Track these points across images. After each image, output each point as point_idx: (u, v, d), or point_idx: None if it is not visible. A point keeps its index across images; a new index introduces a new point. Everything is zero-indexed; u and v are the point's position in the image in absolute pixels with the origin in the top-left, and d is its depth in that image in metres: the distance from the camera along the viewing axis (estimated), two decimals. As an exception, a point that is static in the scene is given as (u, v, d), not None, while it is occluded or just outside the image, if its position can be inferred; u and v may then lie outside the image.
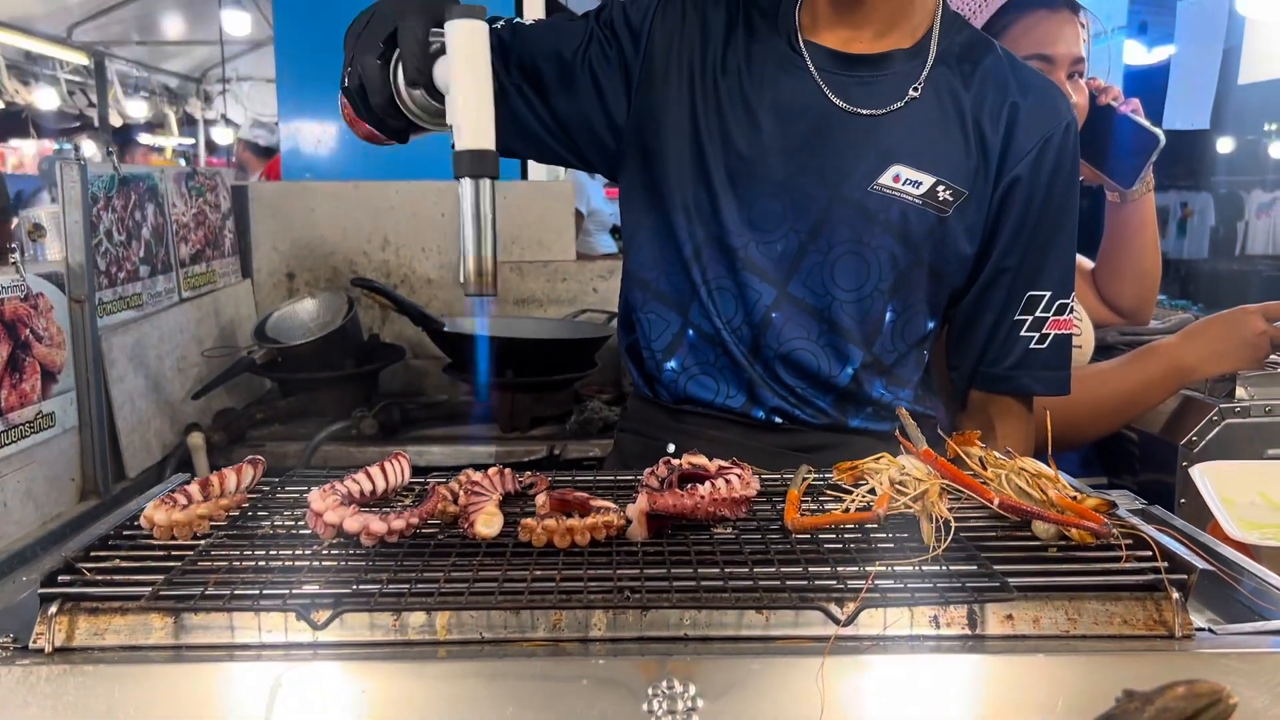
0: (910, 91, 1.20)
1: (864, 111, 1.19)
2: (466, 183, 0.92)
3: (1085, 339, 1.69)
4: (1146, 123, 1.71)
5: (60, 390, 1.85)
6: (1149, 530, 0.79)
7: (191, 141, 10.25)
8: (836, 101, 1.20)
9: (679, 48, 1.25)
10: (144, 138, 9.32)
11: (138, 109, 8.62)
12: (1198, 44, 3.32)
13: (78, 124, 8.18)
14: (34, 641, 0.70)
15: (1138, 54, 4.88)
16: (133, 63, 8.62)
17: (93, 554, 0.78)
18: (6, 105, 7.62)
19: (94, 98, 7.77)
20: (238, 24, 6.88)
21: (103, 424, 1.97)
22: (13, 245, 1.74)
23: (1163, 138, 1.70)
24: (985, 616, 0.72)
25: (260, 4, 6.89)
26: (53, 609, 0.70)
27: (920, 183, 1.18)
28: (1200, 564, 0.74)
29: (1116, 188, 1.77)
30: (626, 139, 1.28)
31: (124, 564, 0.76)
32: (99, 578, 0.73)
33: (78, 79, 7.75)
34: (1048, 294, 1.24)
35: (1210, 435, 1.50)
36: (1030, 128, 1.20)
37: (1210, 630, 0.74)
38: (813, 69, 1.21)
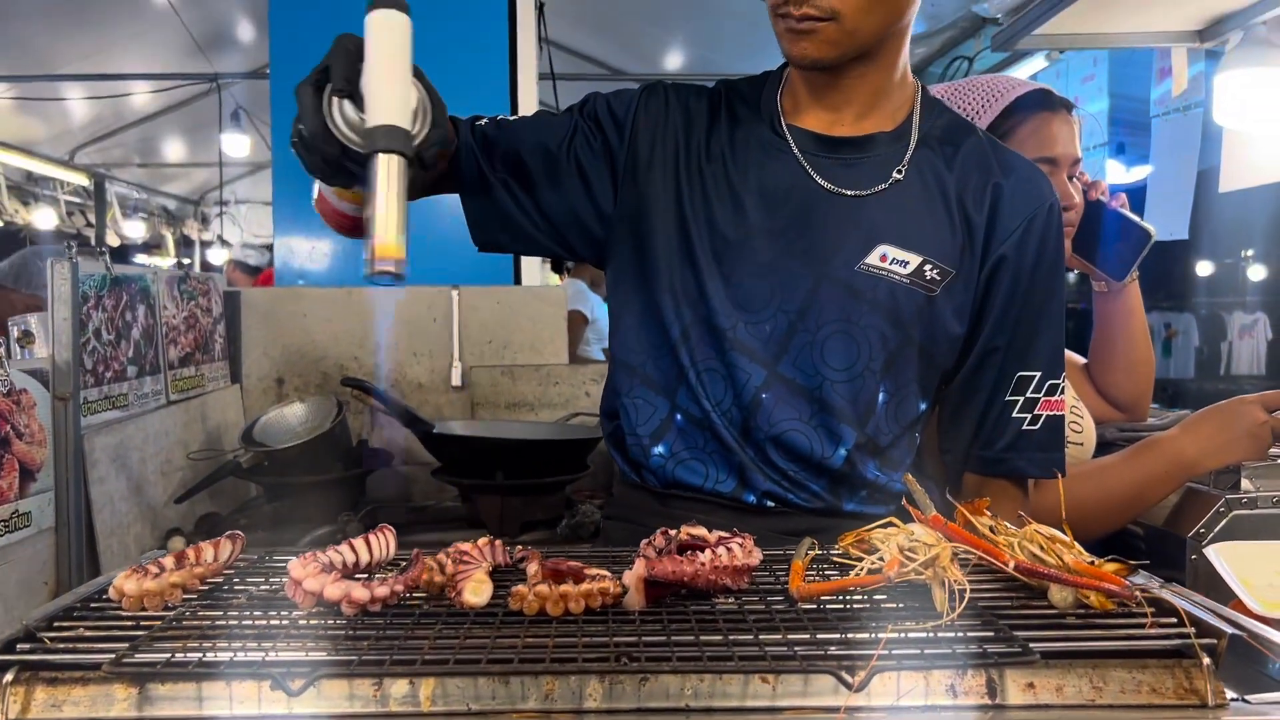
0: (894, 173, 1.20)
1: (848, 192, 1.20)
2: (379, 158, 0.88)
3: (1086, 435, 1.67)
4: (1135, 217, 1.74)
5: (39, 489, 1.80)
6: (1172, 597, 0.75)
7: (188, 262, 10.37)
8: (821, 183, 1.20)
9: (663, 136, 1.26)
10: (140, 258, 9.44)
11: (135, 229, 8.75)
12: (1173, 159, 3.41)
13: (74, 243, 8.28)
14: (-13, 713, 0.65)
15: (1117, 173, 5.01)
16: (133, 185, 8.79)
17: (56, 623, 0.73)
18: (5, 224, 7.72)
19: (92, 218, 7.88)
20: (237, 146, 7.03)
21: (80, 526, 1.92)
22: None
23: (1154, 232, 1.72)
24: (1005, 684, 0.68)
25: (260, 128, 7.07)
26: (8, 677, 0.65)
27: (907, 262, 1.18)
28: (1230, 630, 0.70)
29: (1105, 278, 1.78)
30: (614, 226, 1.28)
31: (88, 633, 0.72)
32: (60, 646, 0.69)
33: (77, 200, 7.88)
34: (1038, 374, 1.22)
35: (1218, 527, 1.46)
36: (1014, 208, 1.20)
37: (1244, 700, 0.69)
38: (796, 151, 1.22)
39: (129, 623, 0.74)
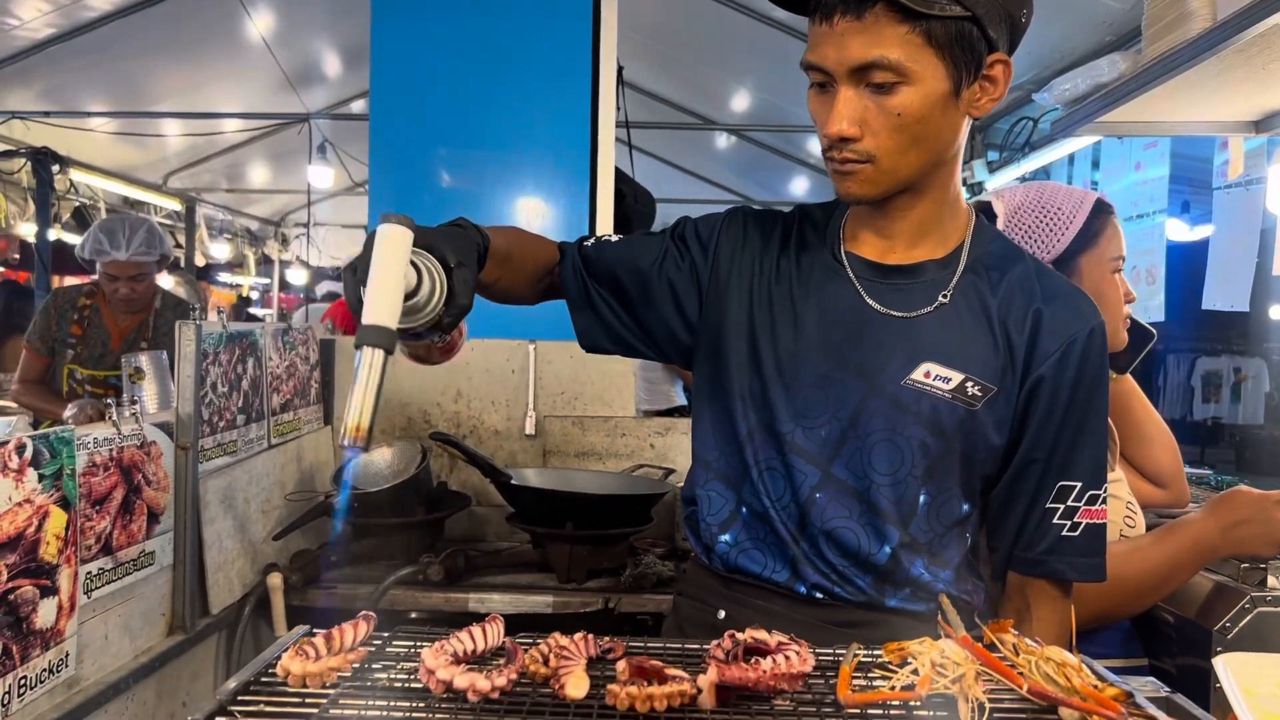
0: (940, 297, 1.33)
1: (897, 314, 1.33)
2: (364, 351, 1.03)
3: (1139, 529, 1.75)
4: (1142, 321, 1.90)
5: (161, 530, 2.01)
6: (1163, 719, 0.88)
7: (267, 281, 10.83)
8: (873, 304, 1.33)
9: (741, 258, 1.42)
10: (224, 275, 9.89)
11: (220, 250, 9.17)
12: (1234, 231, 3.48)
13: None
14: (196, 773, 0.83)
15: (1181, 231, 5.05)
16: (219, 207, 9.21)
17: (240, 698, 0.91)
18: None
19: (182, 239, 8.29)
20: (321, 177, 7.39)
21: (194, 563, 2.12)
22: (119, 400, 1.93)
23: (1155, 334, 1.90)
24: (1015, 792, 0.82)
25: (344, 159, 7.42)
26: (215, 746, 0.83)
27: (950, 379, 1.30)
28: (1208, 754, 0.84)
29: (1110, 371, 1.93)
30: (699, 336, 1.44)
31: (268, 709, 0.89)
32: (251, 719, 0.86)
33: (169, 222, 8.29)
34: (1079, 484, 1.32)
35: (1243, 623, 1.56)
36: (1054, 331, 1.31)
37: (1218, 815, 0.82)
38: (852, 276, 1.35)
39: (296, 699, 0.92)
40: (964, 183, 5.34)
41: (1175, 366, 13.75)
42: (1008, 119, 4.85)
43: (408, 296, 1.09)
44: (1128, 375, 1.98)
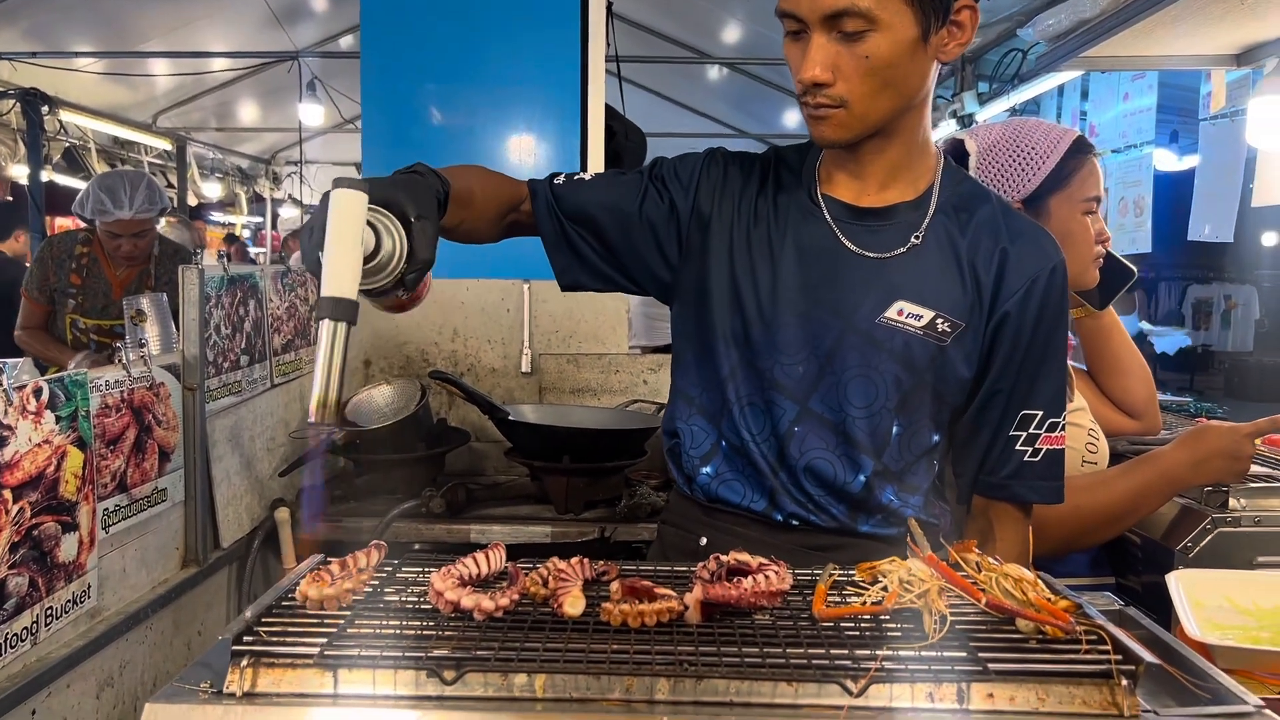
0: (913, 239, 1.39)
1: (871, 254, 1.39)
2: (325, 324, 1.02)
3: (1101, 456, 1.84)
4: (1122, 259, 1.96)
5: (172, 468, 2.08)
6: (1110, 628, 0.97)
7: (260, 220, 10.82)
8: (849, 245, 1.39)
9: (720, 199, 1.46)
10: (215, 215, 9.88)
11: (212, 190, 9.16)
12: (1219, 161, 3.52)
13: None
14: (227, 687, 0.91)
15: (1169, 161, 5.09)
16: (209, 146, 9.16)
17: (263, 620, 0.99)
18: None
19: (174, 179, 8.27)
20: (311, 115, 7.36)
21: (204, 499, 2.20)
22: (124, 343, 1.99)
23: (1136, 272, 1.95)
24: (971, 694, 0.90)
25: (334, 96, 7.38)
26: (244, 662, 0.91)
27: (921, 316, 1.36)
28: (1148, 657, 0.92)
29: (1086, 305, 1.99)
30: (679, 273, 1.49)
31: (291, 629, 0.97)
32: (273, 639, 0.94)
33: (159, 162, 8.26)
34: (1039, 413, 1.40)
35: (1204, 542, 1.66)
36: (1019, 270, 1.37)
37: (1155, 713, 0.91)
38: (829, 218, 1.41)
39: (315, 620, 1.00)
40: (954, 115, 5.35)
41: (1166, 294, 13.86)
42: (997, 50, 4.84)
43: (368, 258, 1.08)
44: (1109, 309, 2.05)
